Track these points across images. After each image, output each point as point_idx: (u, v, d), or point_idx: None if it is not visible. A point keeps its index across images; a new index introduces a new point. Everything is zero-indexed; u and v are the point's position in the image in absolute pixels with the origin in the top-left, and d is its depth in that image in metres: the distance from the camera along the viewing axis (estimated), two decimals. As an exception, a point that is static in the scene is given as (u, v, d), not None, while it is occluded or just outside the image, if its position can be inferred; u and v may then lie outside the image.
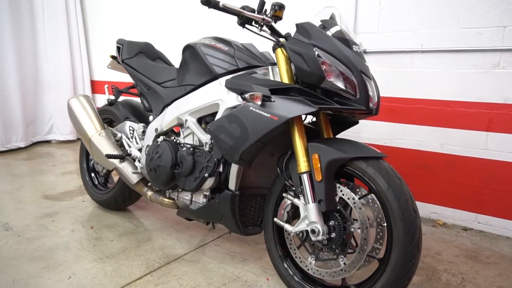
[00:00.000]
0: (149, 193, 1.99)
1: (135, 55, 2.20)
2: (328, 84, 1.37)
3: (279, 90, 1.42)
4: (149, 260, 1.85)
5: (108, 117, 2.40)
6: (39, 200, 2.60)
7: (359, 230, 1.34)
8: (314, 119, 1.68)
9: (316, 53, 1.37)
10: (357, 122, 1.69)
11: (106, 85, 2.22)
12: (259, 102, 1.39)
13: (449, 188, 2.32)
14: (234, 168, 1.60)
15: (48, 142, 4.41)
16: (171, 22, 3.60)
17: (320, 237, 1.36)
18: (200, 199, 1.78)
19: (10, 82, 3.90)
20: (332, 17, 1.55)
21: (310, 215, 1.39)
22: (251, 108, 1.43)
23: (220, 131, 1.52)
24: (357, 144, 1.43)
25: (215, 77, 1.67)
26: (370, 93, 1.44)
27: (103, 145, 2.07)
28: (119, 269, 1.76)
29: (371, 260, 1.39)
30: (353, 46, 1.44)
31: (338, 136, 1.64)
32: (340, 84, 1.37)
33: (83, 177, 2.55)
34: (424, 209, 2.42)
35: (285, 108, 1.37)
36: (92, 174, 2.53)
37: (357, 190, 1.42)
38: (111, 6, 4.13)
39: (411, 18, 2.30)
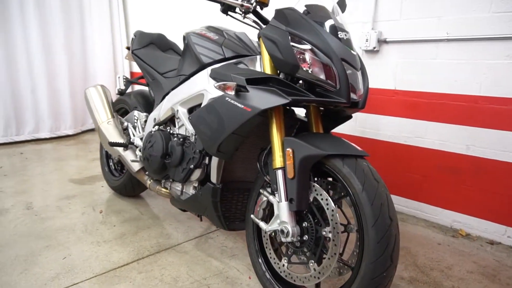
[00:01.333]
0: (149, 181, 2.02)
1: (146, 46, 2.24)
2: (303, 74, 1.27)
3: (257, 80, 1.34)
4: (142, 247, 1.88)
5: (124, 107, 2.48)
6: (65, 183, 2.77)
7: (330, 234, 1.23)
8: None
9: (290, 40, 1.27)
10: (351, 116, 1.56)
11: (118, 76, 2.28)
12: (232, 92, 1.33)
13: (476, 195, 2.06)
14: (214, 160, 1.55)
15: (93, 130, 4.71)
16: (214, 15, 3.62)
17: (289, 239, 1.28)
18: (189, 190, 1.76)
19: (61, 75, 4.19)
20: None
21: (281, 214, 1.30)
22: (227, 98, 1.37)
23: (200, 122, 1.48)
24: (339, 140, 1.30)
25: (203, 66, 1.63)
26: (355, 84, 1.31)
27: (109, 133, 2.14)
28: (110, 253, 1.81)
29: (345, 267, 1.28)
30: (339, 32, 1.32)
31: (337, 131, 1.53)
32: (318, 74, 1.26)
33: (101, 164, 2.67)
34: (446, 216, 2.18)
35: (259, 99, 1.29)
36: (110, 162, 2.64)
37: (335, 190, 1.30)
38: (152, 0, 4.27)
39: (435, 3, 2.06)
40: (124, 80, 2.31)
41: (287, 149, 1.28)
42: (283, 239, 1.30)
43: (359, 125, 2.52)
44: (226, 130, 1.37)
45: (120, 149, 2.10)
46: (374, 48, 2.30)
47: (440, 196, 2.19)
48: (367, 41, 2.31)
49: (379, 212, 1.13)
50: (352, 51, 1.32)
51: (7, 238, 1.95)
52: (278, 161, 1.32)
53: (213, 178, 1.58)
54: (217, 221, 1.63)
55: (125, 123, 2.24)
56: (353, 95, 1.30)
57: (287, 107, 1.55)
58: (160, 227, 2.10)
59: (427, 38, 2.10)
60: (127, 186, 2.40)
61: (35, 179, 2.87)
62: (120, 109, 2.52)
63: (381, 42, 2.30)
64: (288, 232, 1.27)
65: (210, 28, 1.74)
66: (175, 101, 1.77)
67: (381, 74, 2.35)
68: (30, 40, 3.91)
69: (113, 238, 1.97)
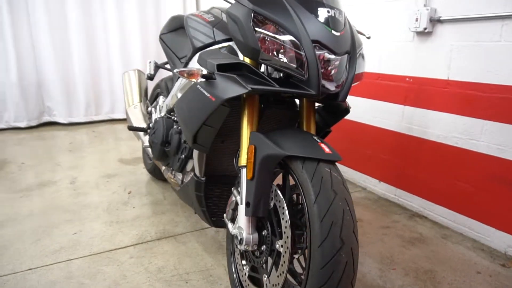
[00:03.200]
0: (163, 167, 2.02)
1: (174, 30, 2.22)
2: (266, 59, 1.08)
3: (228, 66, 1.20)
4: (146, 232, 1.90)
5: (159, 92, 2.53)
6: (113, 162, 2.97)
7: (281, 249, 1.05)
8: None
9: (253, 19, 1.09)
10: (348, 111, 1.31)
11: (149, 61, 2.31)
12: (196, 80, 1.21)
13: (544, 217, 1.60)
14: (195, 152, 1.46)
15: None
16: None
17: (243, 247, 1.13)
18: (187, 181, 1.71)
19: (135, 57, 4.45)
20: None
21: (239, 218, 1.16)
22: (198, 86, 1.26)
23: (179, 112, 1.40)
24: (310, 140, 1.09)
25: (195, 51, 1.53)
26: (335, 72, 1.08)
27: (133, 117, 2.20)
28: (116, 234, 1.87)
29: (295, 285, 1.09)
30: (320, 9, 1.09)
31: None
32: (283, 59, 1.06)
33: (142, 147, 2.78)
34: (500, 239, 1.75)
35: (223, 88, 1.15)
36: (149, 144, 2.73)
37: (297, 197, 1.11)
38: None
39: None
40: (154, 65, 2.33)
41: (251, 145, 1.12)
42: (238, 246, 1.16)
43: (405, 121, 2.16)
44: (198, 121, 1.26)
45: (141, 133, 2.14)
46: (425, 29, 1.91)
47: (494, 214, 1.76)
48: (416, 20, 1.93)
49: (328, 231, 0.91)
50: (333, 32, 1.08)
51: (40, 208, 2.15)
52: (243, 158, 1.17)
53: (197, 170, 1.49)
54: (203, 216, 1.54)
55: (150, 108, 2.28)
56: (329, 85, 1.08)
57: (286, 98, 1.38)
58: (174, 214, 2.10)
59: (490, 15, 1.66)
60: (156, 170, 2.46)
61: (92, 156, 3.13)
62: (157, 94, 2.58)
63: (434, 21, 1.91)
64: (242, 239, 1.13)
65: (212, 10, 1.63)
66: (177, 88, 1.72)
67: (432, 60, 1.96)
68: (107, 23, 4.19)
69: (126, 219, 2.03)
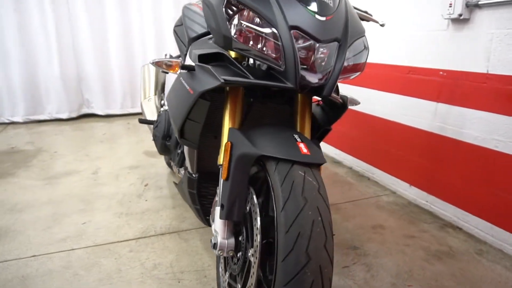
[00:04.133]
0: (171, 161, 1.98)
1: (189, 22, 2.16)
2: (239, 47, 0.97)
3: (209, 57, 1.10)
4: (151, 226, 1.86)
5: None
6: (138, 154, 3.00)
7: (252, 258, 0.94)
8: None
9: (225, 4, 0.97)
10: (346, 107, 1.17)
11: (165, 53, 2.28)
12: (175, 72, 1.13)
13: None
14: (185, 147, 1.38)
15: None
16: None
17: (216, 252, 1.03)
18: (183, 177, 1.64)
19: (171, 49, 4.54)
20: None
21: (215, 222, 1.06)
22: (180, 78, 1.19)
23: (169, 104, 1.33)
24: (290, 140, 0.97)
25: (190, 41, 1.45)
26: (318, 62, 0.95)
27: (147, 109, 2.18)
28: (122, 227, 1.86)
29: None
30: None
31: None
32: (257, 48, 0.95)
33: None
34: (544, 261, 1.49)
35: (200, 80, 1.07)
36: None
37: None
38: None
39: None
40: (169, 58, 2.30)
41: (227, 142, 1.02)
42: (214, 251, 1.06)
43: (438, 119, 1.93)
44: (181, 115, 1.19)
45: (151, 126, 2.11)
46: (460, 15, 1.68)
47: (538, 231, 1.50)
48: (450, 6, 1.70)
49: (293, 244, 0.79)
50: (317, 17, 0.94)
51: (59, 196, 2.21)
52: (221, 155, 1.07)
53: (189, 167, 1.41)
54: (197, 214, 1.47)
55: (163, 101, 2.25)
56: (311, 77, 0.95)
57: (278, 93, 1.26)
58: (183, 209, 2.05)
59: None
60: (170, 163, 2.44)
61: (120, 147, 3.19)
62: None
63: (471, 7, 1.67)
64: (215, 243, 1.03)
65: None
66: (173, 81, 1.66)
67: (469, 51, 1.72)
68: (143, 20, 4.27)
69: (136, 212, 2.02)
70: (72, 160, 2.85)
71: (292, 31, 0.91)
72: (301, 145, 0.94)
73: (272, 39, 0.94)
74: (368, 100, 2.48)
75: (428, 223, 1.96)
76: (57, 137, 3.52)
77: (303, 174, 0.88)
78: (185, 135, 1.24)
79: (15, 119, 4.04)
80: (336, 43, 0.98)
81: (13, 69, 3.91)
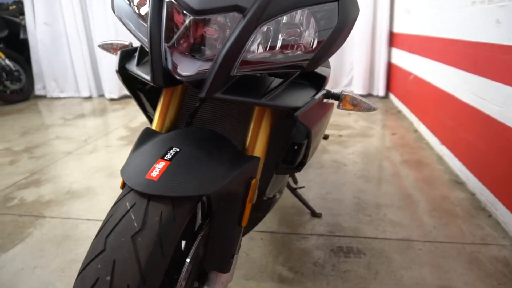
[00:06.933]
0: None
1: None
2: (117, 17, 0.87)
3: None
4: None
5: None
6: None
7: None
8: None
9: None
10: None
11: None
12: (116, 54, 1.06)
13: None
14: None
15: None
16: None
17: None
18: None
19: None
20: None
21: None
22: None
23: None
24: (152, 156, 0.78)
25: None
26: (194, 47, 0.71)
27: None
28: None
29: None
30: None
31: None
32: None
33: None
34: None
35: None
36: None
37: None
38: None
39: None
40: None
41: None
42: None
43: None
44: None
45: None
46: None
47: None
48: None
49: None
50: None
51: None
52: None
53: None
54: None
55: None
56: (184, 67, 0.71)
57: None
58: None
59: None
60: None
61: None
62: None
63: None
64: None
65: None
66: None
67: None
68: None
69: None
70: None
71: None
72: (158, 166, 0.71)
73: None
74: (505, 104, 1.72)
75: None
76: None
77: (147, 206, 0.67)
78: None
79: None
80: (234, 13, 0.69)
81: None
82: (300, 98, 0.84)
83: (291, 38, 0.74)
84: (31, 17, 5.00)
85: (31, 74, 5.17)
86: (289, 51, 0.74)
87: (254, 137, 0.90)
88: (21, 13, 5.25)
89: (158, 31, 0.70)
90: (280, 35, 0.73)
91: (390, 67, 4.20)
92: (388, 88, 4.29)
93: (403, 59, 3.66)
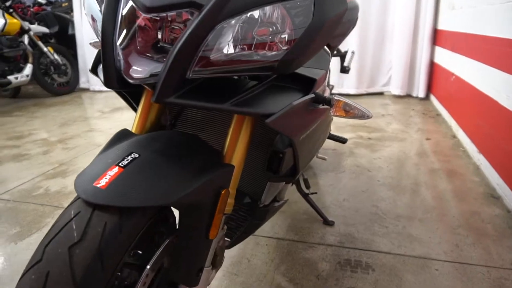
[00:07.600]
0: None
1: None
2: None
3: None
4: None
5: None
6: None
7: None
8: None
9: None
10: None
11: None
12: None
13: None
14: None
15: (381, 94, 4.41)
16: None
17: None
18: None
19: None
20: None
21: None
22: None
23: None
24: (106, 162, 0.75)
25: None
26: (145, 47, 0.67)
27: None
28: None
29: None
30: None
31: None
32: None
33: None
34: None
35: None
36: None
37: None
38: None
39: None
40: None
41: None
42: None
43: None
44: None
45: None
46: None
47: None
48: None
49: None
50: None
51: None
52: None
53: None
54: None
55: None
56: (137, 70, 0.67)
57: None
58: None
59: None
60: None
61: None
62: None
63: None
64: None
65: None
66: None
67: None
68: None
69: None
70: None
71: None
72: (109, 173, 0.68)
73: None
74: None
75: None
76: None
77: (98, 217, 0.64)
78: None
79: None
80: (187, 9, 0.64)
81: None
82: (278, 103, 0.77)
83: (262, 37, 0.67)
84: (79, 14, 5.25)
85: (77, 68, 5.44)
86: (258, 51, 0.67)
87: (232, 144, 0.84)
88: (72, 9, 5.53)
89: (112, 31, 0.66)
90: (248, 34, 0.66)
91: (432, 67, 3.92)
92: (430, 89, 4.01)
93: (446, 58, 3.39)
